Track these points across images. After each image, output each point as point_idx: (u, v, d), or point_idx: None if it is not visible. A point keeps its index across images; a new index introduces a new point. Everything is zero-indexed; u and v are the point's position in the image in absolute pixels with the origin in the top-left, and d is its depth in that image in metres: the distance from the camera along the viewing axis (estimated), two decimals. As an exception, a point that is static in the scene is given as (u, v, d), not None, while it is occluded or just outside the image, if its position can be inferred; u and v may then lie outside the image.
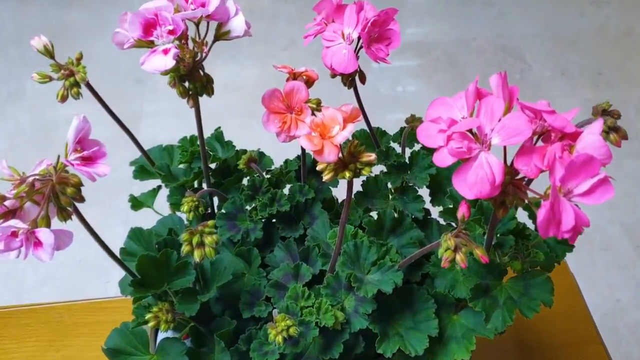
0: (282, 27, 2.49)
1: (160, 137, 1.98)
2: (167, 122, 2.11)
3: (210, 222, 0.53)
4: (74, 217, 0.49)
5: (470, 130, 0.45)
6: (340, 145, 0.51)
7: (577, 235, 0.42)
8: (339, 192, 0.79)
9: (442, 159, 0.45)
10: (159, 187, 0.76)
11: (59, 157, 0.48)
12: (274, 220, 0.72)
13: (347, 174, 0.52)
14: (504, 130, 0.43)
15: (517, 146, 0.46)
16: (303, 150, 0.70)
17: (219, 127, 0.74)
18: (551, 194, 0.42)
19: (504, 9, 2.62)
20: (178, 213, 0.72)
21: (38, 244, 0.45)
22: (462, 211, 0.50)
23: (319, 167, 0.53)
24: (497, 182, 0.43)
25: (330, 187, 0.76)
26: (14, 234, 0.45)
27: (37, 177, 0.47)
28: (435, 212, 0.73)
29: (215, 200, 0.74)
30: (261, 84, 2.30)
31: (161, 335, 0.71)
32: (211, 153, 0.72)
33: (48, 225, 0.47)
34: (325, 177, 0.52)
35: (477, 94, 0.46)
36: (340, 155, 0.52)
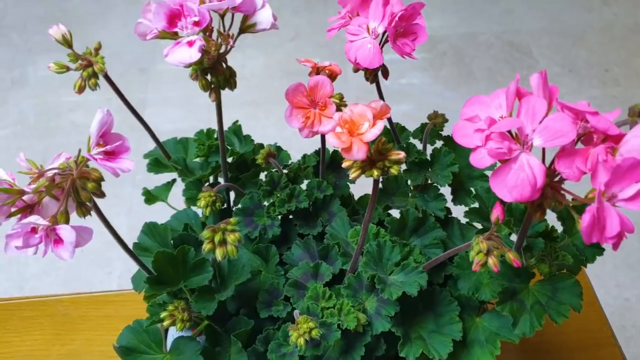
0: (287, 18, 2.46)
1: (164, 126, 1.97)
2: (172, 111, 2.09)
3: (233, 220, 0.51)
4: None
5: (509, 131, 0.43)
6: (368, 144, 0.49)
7: (620, 241, 0.41)
8: (355, 189, 0.78)
9: (480, 160, 0.43)
10: (174, 180, 0.75)
11: (79, 150, 0.46)
12: (290, 217, 0.70)
13: (375, 173, 0.50)
14: (546, 131, 0.41)
15: (555, 148, 0.44)
16: (322, 144, 0.68)
17: (237, 121, 0.72)
18: (596, 199, 0.40)
19: (511, 4, 2.60)
20: (193, 208, 0.70)
21: (58, 241, 0.43)
22: (496, 213, 0.48)
23: (345, 165, 0.51)
24: (539, 185, 0.41)
25: (348, 184, 0.74)
26: (34, 230, 0.43)
27: (57, 171, 0.45)
28: (455, 211, 0.72)
29: (232, 195, 0.72)
30: (266, 74, 2.30)
31: (172, 333, 0.69)
32: (228, 147, 0.70)
33: (67, 221, 0.45)
34: (352, 175, 0.51)
35: (517, 93, 0.45)
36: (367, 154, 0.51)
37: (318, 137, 0.60)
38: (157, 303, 0.61)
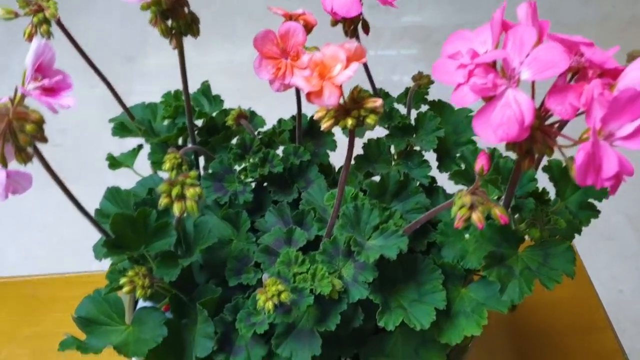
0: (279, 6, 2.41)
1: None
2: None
3: (192, 173, 0.47)
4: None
5: (494, 66, 0.39)
6: (341, 88, 0.45)
7: (619, 184, 0.36)
8: (337, 159, 0.73)
9: (462, 98, 0.39)
10: (140, 146, 0.70)
11: (16, 88, 0.41)
12: (265, 184, 0.66)
13: (349, 122, 0.46)
14: (535, 62, 0.37)
15: (546, 88, 0.40)
16: (299, 108, 0.64)
17: (206, 81, 0.68)
18: (591, 135, 0.36)
19: (506, -5, 2.56)
20: (160, 173, 0.66)
21: (-12, 183, 0.38)
22: (480, 162, 0.43)
23: (317, 115, 0.47)
24: (527, 122, 0.37)
25: (327, 152, 0.70)
26: (-39, 173, 0.39)
27: (-9, 111, 0.41)
28: (441, 180, 0.67)
29: (202, 161, 0.68)
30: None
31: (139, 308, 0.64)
32: (197, 108, 0.65)
33: (4, 166, 0.41)
34: (324, 125, 0.46)
35: (503, 26, 0.40)
36: (342, 101, 0.46)
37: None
38: (117, 270, 0.56)
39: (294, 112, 0.64)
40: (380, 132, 0.70)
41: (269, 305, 0.49)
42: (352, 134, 0.48)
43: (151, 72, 2.17)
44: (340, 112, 0.46)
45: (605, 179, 0.36)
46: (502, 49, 0.39)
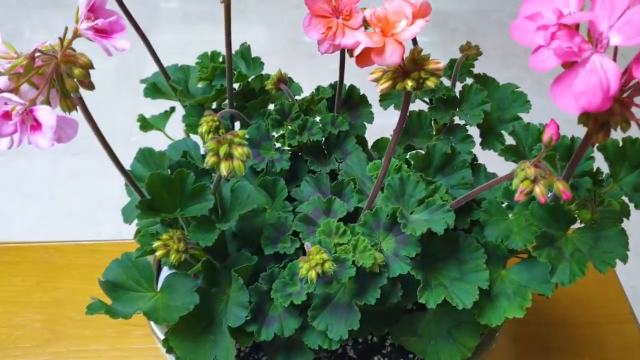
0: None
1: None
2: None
3: (241, 132, 0.45)
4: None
5: (577, 29, 0.37)
6: (404, 45, 0.42)
7: None
8: (371, 133, 0.71)
9: (542, 62, 0.36)
10: (173, 108, 0.67)
11: (66, 29, 0.39)
12: (300, 153, 0.63)
13: (409, 83, 0.43)
14: (628, 26, 0.35)
15: (626, 57, 0.38)
16: (341, 73, 0.61)
17: (245, 43, 0.65)
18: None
19: (527, -16, 2.52)
20: (193, 137, 0.63)
21: (36, 127, 0.36)
22: (549, 132, 0.41)
23: (372, 76, 0.45)
24: (612, 91, 0.34)
25: (364, 124, 0.67)
26: (7, 116, 0.36)
27: (38, 52, 0.38)
28: (482, 158, 0.65)
29: (237, 127, 0.65)
30: (270, 42, 2.21)
31: (165, 274, 0.63)
32: (235, 71, 0.63)
33: (48, 109, 0.38)
34: (382, 86, 0.44)
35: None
36: (400, 62, 0.44)
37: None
38: (150, 233, 0.54)
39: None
40: (419, 106, 0.68)
41: (312, 274, 0.47)
42: (408, 98, 0.46)
43: (163, 47, 2.14)
44: (399, 74, 0.44)
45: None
46: (590, 10, 0.36)
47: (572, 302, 0.91)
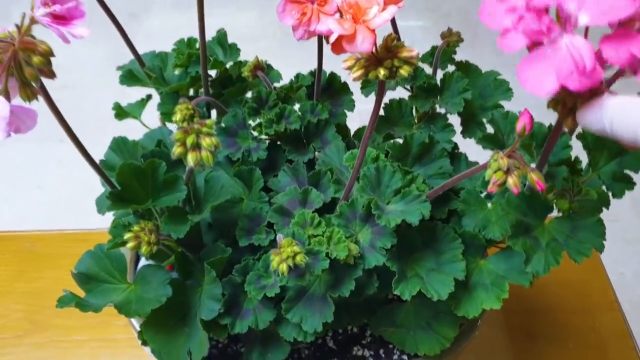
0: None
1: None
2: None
3: (209, 122, 0.43)
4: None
5: (546, 12, 0.36)
6: (376, 33, 0.41)
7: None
8: (352, 121, 0.70)
9: (511, 43, 0.35)
10: (149, 96, 0.66)
11: (24, 15, 0.38)
12: (278, 142, 0.62)
13: (382, 72, 0.42)
14: (595, 5, 0.33)
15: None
16: (319, 60, 0.60)
17: (222, 29, 0.64)
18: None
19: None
20: (169, 125, 0.62)
21: (-11, 118, 0.35)
22: (523, 121, 0.40)
23: (345, 64, 0.44)
24: (588, 67, 0.33)
25: (345, 112, 0.66)
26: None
27: (-6, 40, 0.37)
28: (463, 146, 0.64)
29: (213, 114, 0.64)
30: (260, 26, 2.19)
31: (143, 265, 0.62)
32: (211, 57, 0.61)
33: (7, 100, 0.37)
34: (354, 74, 0.43)
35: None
36: (374, 50, 0.43)
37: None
38: (122, 224, 0.53)
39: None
40: (401, 93, 0.67)
41: (283, 267, 0.46)
42: (381, 86, 0.45)
43: (154, 32, 2.12)
44: (372, 62, 0.43)
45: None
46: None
47: (558, 290, 0.91)
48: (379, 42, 0.43)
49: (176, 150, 0.43)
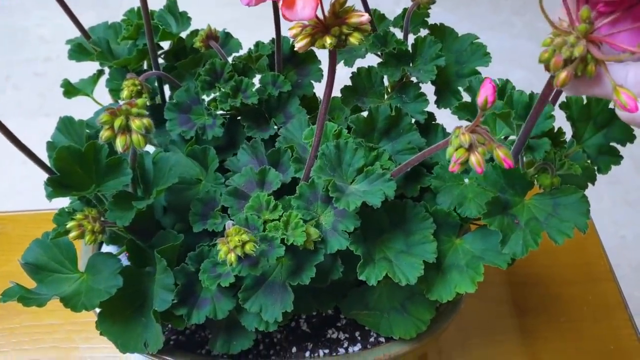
0: None
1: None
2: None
3: (140, 101, 0.39)
4: None
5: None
6: (320, -2, 0.36)
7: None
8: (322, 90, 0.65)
9: None
10: (100, 72, 0.62)
11: None
12: (239, 118, 0.58)
13: (328, 40, 0.38)
14: None
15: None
16: (277, 29, 0.55)
17: (173, -5, 0.59)
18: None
19: None
20: (120, 102, 0.58)
21: None
22: (484, 93, 0.36)
23: (291, 31, 0.39)
24: None
25: (311, 82, 0.62)
26: None
27: None
28: (441, 117, 0.60)
29: (167, 90, 0.60)
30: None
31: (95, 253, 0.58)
32: (161, 27, 0.56)
33: None
34: (298, 44, 0.38)
35: None
36: (322, 16, 0.38)
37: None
38: (66, 212, 0.50)
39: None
40: (371, 59, 0.62)
41: (231, 257, 0.42)
42: (332, 56, 0.41)
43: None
44: (319, 29, 0.38)
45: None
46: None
47: (547, 261, 0.87)
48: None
49: (104, 134, 0.39)
